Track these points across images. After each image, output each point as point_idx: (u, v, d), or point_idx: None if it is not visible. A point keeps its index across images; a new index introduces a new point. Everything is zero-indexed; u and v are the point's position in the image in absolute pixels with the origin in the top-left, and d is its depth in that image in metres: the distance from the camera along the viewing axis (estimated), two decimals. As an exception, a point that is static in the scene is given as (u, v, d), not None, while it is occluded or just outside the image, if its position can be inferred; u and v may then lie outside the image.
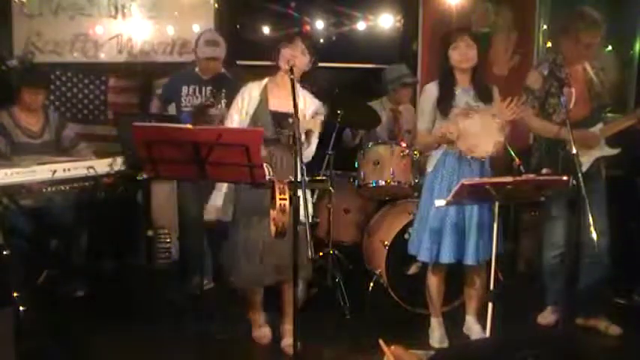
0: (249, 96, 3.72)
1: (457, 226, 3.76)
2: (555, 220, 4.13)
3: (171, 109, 4.85)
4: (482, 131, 3.59)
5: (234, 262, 3.75)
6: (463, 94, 3.78)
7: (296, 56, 3.62)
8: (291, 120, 3.36)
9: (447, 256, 3.78)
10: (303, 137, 3.48)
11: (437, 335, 3.99)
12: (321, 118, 3.69)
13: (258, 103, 3.70)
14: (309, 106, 3.77)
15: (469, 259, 3.77)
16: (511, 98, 3.65)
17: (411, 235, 4.05)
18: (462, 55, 3.73)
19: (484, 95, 3.78)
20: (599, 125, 3.98)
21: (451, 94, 3.76)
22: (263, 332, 3.96)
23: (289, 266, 3.56)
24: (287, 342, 3.80)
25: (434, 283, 3.96)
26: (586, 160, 3.88)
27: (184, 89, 4.66)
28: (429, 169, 3.89)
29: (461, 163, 3.75)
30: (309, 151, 3.72)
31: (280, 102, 3.67)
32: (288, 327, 3.85)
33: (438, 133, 3.72)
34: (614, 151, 4.02)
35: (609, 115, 4.24)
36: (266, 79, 3.77)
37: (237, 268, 3.74)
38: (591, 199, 3.43)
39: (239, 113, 3.72)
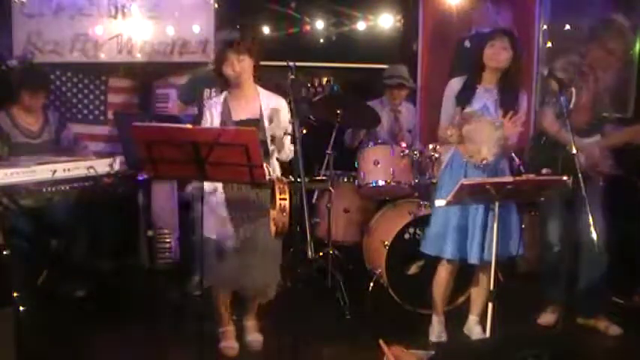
0: (211, 113, 3.71)
1: (484, 224, 3.72)
2: (551, 219, 4.14)
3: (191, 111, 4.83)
4: (483, 138, 3.61)
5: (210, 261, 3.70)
6: (484, 94, 3.76)
7: (235, 69, 3.61)
8: (291, 121, 3.36)
9: (476, 257, 3.74)
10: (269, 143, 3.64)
11: (436, 331, 4.02)
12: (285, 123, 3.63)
13: (222, 116, 3.69)
14: (276, 107, 3.71)
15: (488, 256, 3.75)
16: (512, 112, 3.64)
17: (427, 235, 3.97)
18: (494, 54, 3.72)
19: (508, 101, 3.73)
20: (597, 137, 3.98)
21: (472, 90, 3.76)
22: (232, 344, 3.90)
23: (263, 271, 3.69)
24: (251, 337, 3.92)
25: (444, 281, 3.95)
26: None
27: (206, 92, 4.62)
28: (442, 166, 3.92)
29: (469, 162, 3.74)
30: (283, 154, 3.72)
31: (242, 111, 3.69)
32: (251, 323, 3.94)
33: (443, 134, 3.74)
34: (606, 167, 4.02)
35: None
36: (224, 93, 3.76)
37: (212, 267, 3.70)
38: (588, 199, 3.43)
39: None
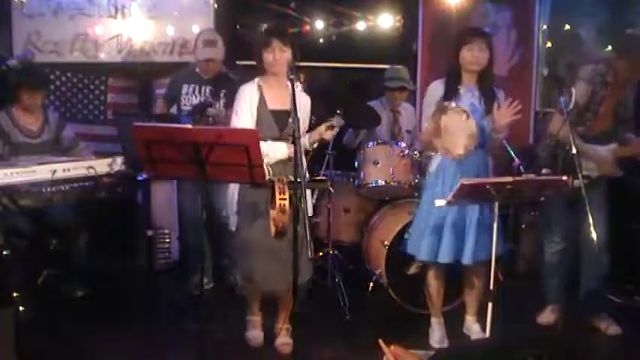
0: (250, 97, 3.70)
1: (456, 225, 3.75)
2: (551, 219, 4.14)
3: (172, 110, 4.85)
4: (457, 131, 3.54)
5: (249, 262, 3.71)
6: (467, 94, 3.75)
7: (276, 57, 3.61)
8: (290, 120, 3.36)
9: (445, 256, 3.76)
10: (315, 145, 3.76)
11: (437, 335, 3.99)
12: (336, 130, 3.76)
13: (258, 104, 3.70)
14: (304, 103, 3.76)
15: (466, 259, 3.75)
16: (511, 100, 3.62)
17: (410, 234, 4.02)
18: (475, 57, 3.71)
19: (488, 98, 3.74)
20: (614, 145, 3.97)
21: (455, 93, 3.74)
22: (257, 334, 3.93)
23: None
24: (281, 341, 3.84)
25: (433, 283, 3.95)
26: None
27: (184, 88, 4.67)
28: (431, 169, 3.88)
29: (461, 165, 3.73)
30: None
31: (277, 100, 3.69)
32: (283, 326, 3.87)
33: (426, 138, 3.71)
34: (618, 173, 4.02)
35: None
36: (256, 80, 3.74)
37: (255, 268, 3.70)
38: (589, 199, 3.42)
39: (248, 114, 3.67)
